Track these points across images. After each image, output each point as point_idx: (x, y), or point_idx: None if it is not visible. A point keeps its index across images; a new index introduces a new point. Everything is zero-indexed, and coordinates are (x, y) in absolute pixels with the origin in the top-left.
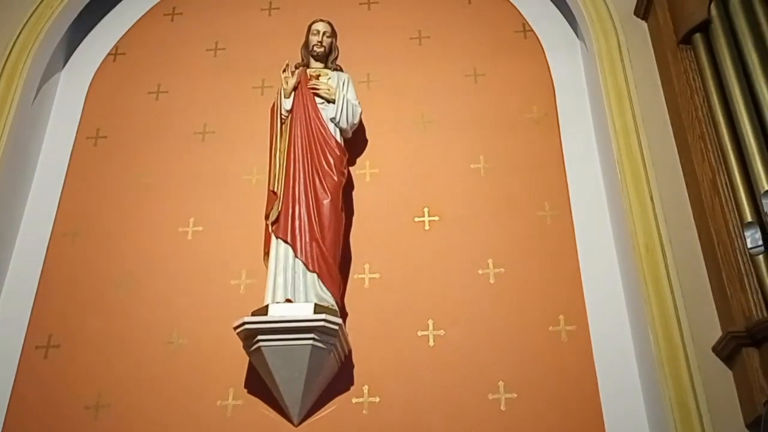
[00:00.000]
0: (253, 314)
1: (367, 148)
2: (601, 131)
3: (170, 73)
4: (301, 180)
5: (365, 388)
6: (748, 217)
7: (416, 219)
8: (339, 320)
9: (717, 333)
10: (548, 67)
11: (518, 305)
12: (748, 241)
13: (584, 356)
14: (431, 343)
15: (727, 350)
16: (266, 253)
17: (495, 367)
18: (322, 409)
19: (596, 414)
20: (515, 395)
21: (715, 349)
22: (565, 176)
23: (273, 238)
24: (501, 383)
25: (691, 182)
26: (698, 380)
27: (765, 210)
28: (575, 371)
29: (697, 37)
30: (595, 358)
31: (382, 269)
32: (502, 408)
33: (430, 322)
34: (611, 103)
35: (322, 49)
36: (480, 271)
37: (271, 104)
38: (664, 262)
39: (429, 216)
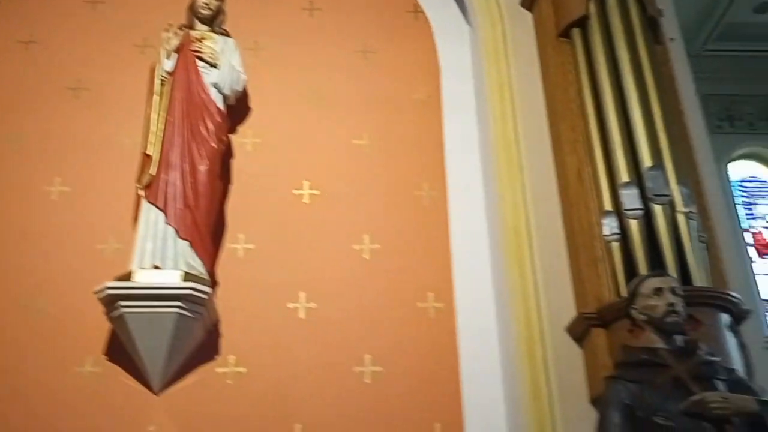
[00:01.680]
0: (117, 280)
1: (250, 117)
2: (481, 117)
3: (43, 21)
4: (178, 145)
5: (231, 358)
6: (608, 207)
7: (295, 191)
8: (208, 289)
9: (572, 314)
10: (436, 50)
11: (390, 281)
12: (606, 229)
13: (449, 333)
14: (302, 315)
15: (579, 330)
16: (136, 219)
17: (363, 340)
18: (185, 378)
19: (455, 389)
20: (381, 369)
21: (568, 329)
22: (444, 159)
23: (144, 202)
24: (368, 357)
25: (560, 171)
26: (551, 358)
27: (623, 200)
28: (440, 347)
29: (576, 31)
30: (459, 334)
31: (257, 240)
32: (367, 381)
33: (302, 295)
34: (492, 91)
35: (208, 12)
36: (355, 247)
37: (152, 64)
38: (530, 245)
39: (309, 189)
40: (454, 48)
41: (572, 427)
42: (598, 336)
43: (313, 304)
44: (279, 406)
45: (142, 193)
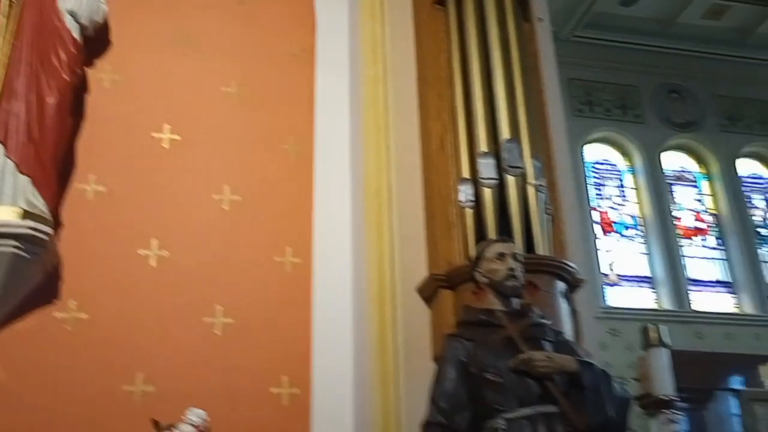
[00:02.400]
0: None
1: (110, 53)
2: (353, 77)
3: None
4: (24, 73)
5: (72, 303)
6: (465, 174)
7: (154, 135)
8: (49, 230)
9: (424, 276)
10: (313, 5)
11: (248, 234)
12: (461, 195)
13: (304, 288)
14: (153, 263)
15: (428, 291)
16: None
17: (216, 291)
18: (19, 321)
19: (306, 343)
20: (232, 320)
21: (418, 290)
22: (313, 115)
23: None
24: (219, 308)
25: (424, 136)
26: (400, 316)
27: (480, 169)
28: (293, 302)
29: (451, 0)
30: (313, 290)
31: (109, 182)
32: (217, 332)
33: (154, 242)
34: (365, 51)
35: None
36: (215, 196)
37: None
38: (389, 206)
39: (169, 134)
40: (332, 5)
41: (414, 381)
42: (446, 297)
43: (165, 252)
44: (121, 355)
45: None
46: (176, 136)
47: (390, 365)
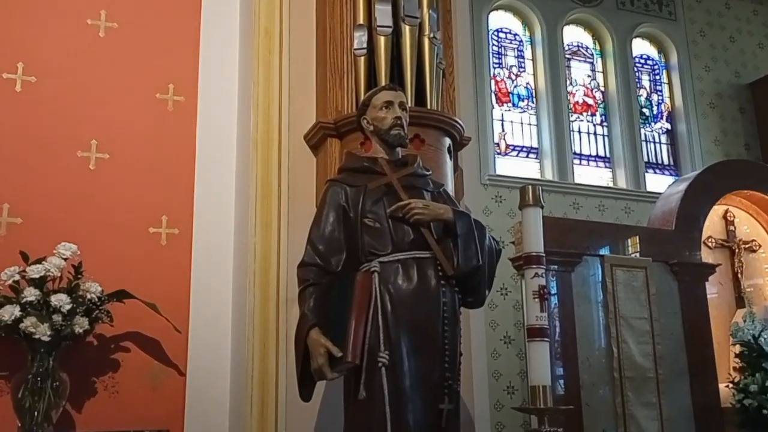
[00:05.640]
0: None
1: None
2: None
3: None
4: None
5: None
6: (361, 20)
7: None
8: None
9: (313, 123)
10: None
11: (127, 68)
12: (356, 42)
13: (188, 128)
14: (18, 88)
15: (316, 139)
16: None
17: (90, 126)
18: None
19: (188, 185)
20: (107, 155)
21: (306, 137)
22: None
23: None
24: (94, 142)
25: None
26: (285, 162)
27: (376, 16)
28: (177, 142)
29: None
30: (197, 130)
31: None
32: (91, 167)
33: (20, 66)
34: None
35: None
36: (89, 21)
37: None
38: (279, 48)
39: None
40: None
41: (296, 226)
42: (333, 146)
43: (32, 78)
44: None
45: None
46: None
47: (273, 210)
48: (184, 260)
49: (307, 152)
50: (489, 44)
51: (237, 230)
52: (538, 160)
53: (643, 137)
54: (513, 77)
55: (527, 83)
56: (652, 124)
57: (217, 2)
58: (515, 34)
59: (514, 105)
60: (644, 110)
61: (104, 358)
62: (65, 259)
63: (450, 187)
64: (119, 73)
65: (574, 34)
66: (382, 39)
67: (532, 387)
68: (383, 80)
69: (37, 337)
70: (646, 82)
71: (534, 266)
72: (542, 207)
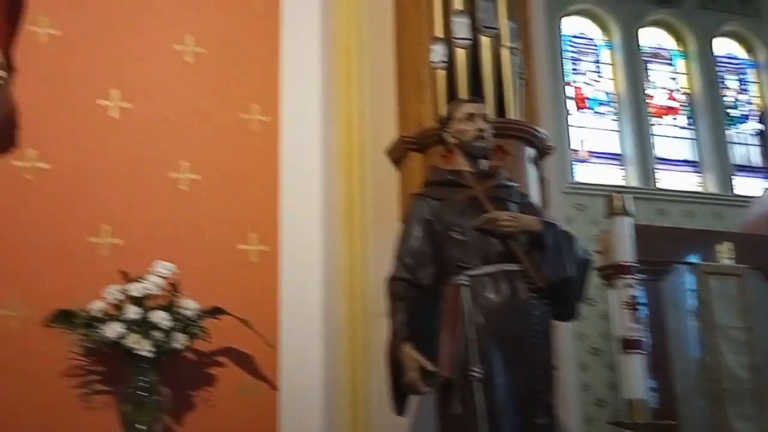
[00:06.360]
0: None
1: None
2: None
3: None
4: None
5: (32, 152)
6: (439, 34)
7: None
8: (3, 73)
9: (394, 138)
10: None
11: (213, 89)
12: (434, 55)
13: (272, 146)
14: (113, 114)
15: (398, 154)
16: None
17: (181, 147)
18: None
19: (274, 202)
20: (198, 177)
21: (388, 152)
22: None
23: None
24: (185, 164)
25: None
26: (368, 178)
27: (454, 29)
28: (261, 160)
29: None
30: (282, 148)
31: (63, 26)
32: (183, 188)
33: (115, 92)
34: None
35: None
36: (176, 47)
37: None
38: (359, 65)
39: None
40: None
41: (380, 241)
42: (415, 160)
43: (127, 104)
44: (85, 207)
45: None
46: None
47: (357, 225)
48: (272, 275)
49: (389, 166)
50: (563, 50)
51: (323, 245)
52: (621, 167)
53: (731, 139)
54: (591, 82)
55: (606, 88)
56: (741, 125)
57: (296, 21)
58: (590, 39)
59: (593, 111)
60: (731, 111)
61: (200, 373)
62: (164, 278)
63: (535, 198)
64: (205, 96)
65: (652, 36)
66: (460, 51)
67: (627, 401)
68: (463, 93)
69: (140, 353)
70: (731, 82)
71: (625, 276)
72: (632, 216)
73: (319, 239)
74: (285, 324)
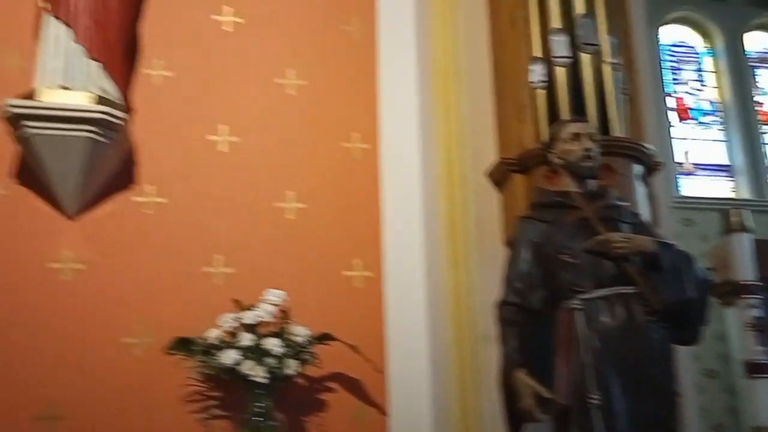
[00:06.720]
0: (20, 98)
1: None
2: None
3: None
4: None
5: (150, 188)
6: (537, 53)
7: (214, 16)
8: (123, 114)
9: (494, 159)
10: None
11: (315, 119)
12: (533, 75)
13: (371, 172)
14: (222, 148)
15: (499, 176)
16: (37, 33)
17: (286, 177)
18: (101, 205)
19: (376, 228)
20: (305, 205)
21: (489, 174)
22: None
23: (46, 16)
24: (290, 193)
25: (493, 13)
26: (470, 201)
27: (552, 47)
28: (362, 187)
29: None
30: (381, 174)
31: (175, 67)
32: (290, 217)
33: (223, 128)
34: None
35: None
36: (277, 81)
37: None
38: (457, 88)
39: (233, 17)
40: None
41: (484, 265)
42: (517, 181)
43: (235, 138)
44: (199, 238)
45: (43, 4)
46: (239, 19)
47: (460, 249)
48: (376, 301)
49: (490, 189)
50: (662, 60)
51: (427, 269)
52: (730, 178)
53: None
54: (693, 92)
55: (710, 97)
56: None
57: (392, 48)
58: (691, 47)
59: (697, 121)
60: None
61: (311, 399)
62: (275, 306)
63: (645, 216)
64: (307, 126)
65: (758, 40)
66: (560, 70)
67: (752, 428)
68: (564, 112)
69: (255, 379)
70: None
71: (747, 296)
72: (752, 231)
73: (422, 263)
74: (392, 349)
